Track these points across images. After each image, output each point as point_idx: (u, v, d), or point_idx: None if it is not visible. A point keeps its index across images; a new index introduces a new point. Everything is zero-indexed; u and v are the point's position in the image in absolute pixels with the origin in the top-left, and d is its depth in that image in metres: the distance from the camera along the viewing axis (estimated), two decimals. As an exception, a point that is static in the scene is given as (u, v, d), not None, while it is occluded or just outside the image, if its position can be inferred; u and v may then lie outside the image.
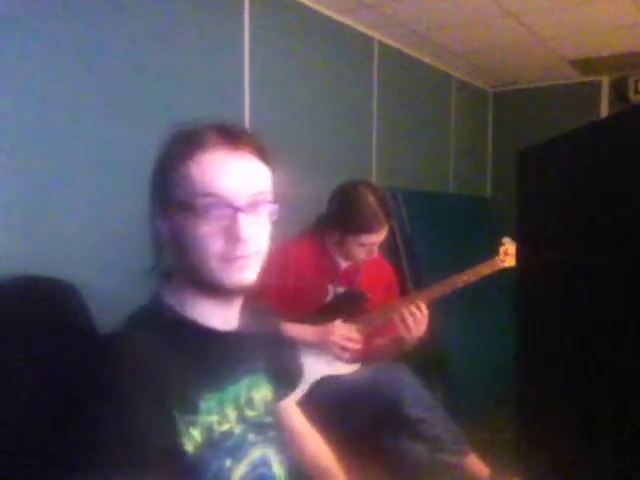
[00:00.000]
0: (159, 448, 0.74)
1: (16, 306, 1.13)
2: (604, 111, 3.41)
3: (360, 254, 1.73)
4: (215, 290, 0.85)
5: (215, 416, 0.84)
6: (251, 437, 0.90)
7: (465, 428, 1.66)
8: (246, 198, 0.82)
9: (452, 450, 1.60)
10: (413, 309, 1.65)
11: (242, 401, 0.91)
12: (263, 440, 0.93)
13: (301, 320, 1.68)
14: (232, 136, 0.84)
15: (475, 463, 1.65)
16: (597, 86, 3.44)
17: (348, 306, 1.77)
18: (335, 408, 1.57)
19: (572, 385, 0.55)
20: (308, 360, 1.65)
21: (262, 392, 0.96)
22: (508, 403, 1.47)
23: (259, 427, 0.92)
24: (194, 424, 0.80)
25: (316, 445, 1.16)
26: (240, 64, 2.01)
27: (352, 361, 1.76)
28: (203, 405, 0.82)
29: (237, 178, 0.82)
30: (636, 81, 3.24)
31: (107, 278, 1.47)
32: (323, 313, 1.72)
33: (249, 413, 0.91)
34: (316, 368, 1.68)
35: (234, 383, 0.90)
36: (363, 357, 1.82)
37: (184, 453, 0.78)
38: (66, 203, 1.50)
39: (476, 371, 2.63)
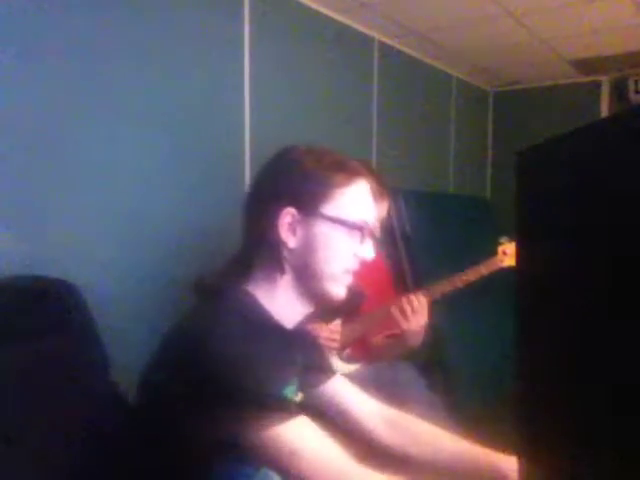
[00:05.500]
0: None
1: (16, 306, 1.13)
2: (604, 111, 3.41)
3: None
4: (316, 298, 0.97)
5: None
6: None
7: (464, 427, 1.66)
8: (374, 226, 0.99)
9: None
10: (411, 298, 1.68)
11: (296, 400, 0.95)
12: None
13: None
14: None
15: None
16: (597, 86, 3.44)
17: (346, 306, 1.77)
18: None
19: (572, 384, 0.55)
20: None
21: None
22: (507, 402, 1.47)
23: None
24: None
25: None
26: (240, 64, 2.01)
27: (351, 361, 1.75)
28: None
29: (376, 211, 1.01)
30: (636, 81, 3.24)
31: (107, 278, 1.47)
32: (321, 314, 1.72)
33: None
34: None
35: (292, 382, 0.94)
36: (362, 357, 1.81)
37: None
38: (66, 203, 1.50)
39: (475, 370, 2.63)
